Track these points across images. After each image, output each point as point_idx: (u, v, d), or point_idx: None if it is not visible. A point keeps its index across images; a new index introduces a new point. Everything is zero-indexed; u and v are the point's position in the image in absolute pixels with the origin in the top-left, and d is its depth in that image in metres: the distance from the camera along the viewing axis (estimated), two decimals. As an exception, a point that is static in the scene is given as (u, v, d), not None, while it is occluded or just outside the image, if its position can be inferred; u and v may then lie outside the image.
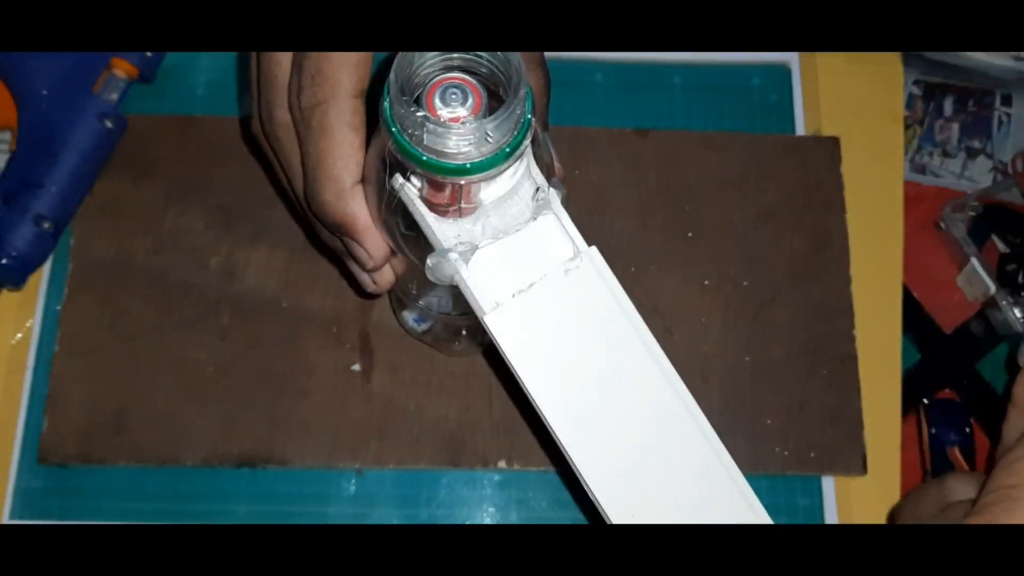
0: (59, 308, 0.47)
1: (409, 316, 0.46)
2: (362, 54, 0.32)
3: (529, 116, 0.29)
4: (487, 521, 0.46)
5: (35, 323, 0.48)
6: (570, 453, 0.30)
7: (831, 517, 0.46)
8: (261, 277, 0.48)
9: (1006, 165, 0.54)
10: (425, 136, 0.28)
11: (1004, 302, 0.49)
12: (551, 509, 0.46)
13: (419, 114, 0.28)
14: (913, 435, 0.48)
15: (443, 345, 0.47)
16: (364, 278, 0.37)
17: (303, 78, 0.32)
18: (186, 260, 0.48)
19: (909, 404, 0.49)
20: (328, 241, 0.37)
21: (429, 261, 0.31)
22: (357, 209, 0.33)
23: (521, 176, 0.31)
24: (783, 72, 0.54)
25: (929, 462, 0.47)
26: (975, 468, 0.47)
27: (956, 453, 0.46)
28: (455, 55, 0.30)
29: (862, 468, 0.47)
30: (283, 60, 0.33)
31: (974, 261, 0.50)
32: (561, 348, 0.31)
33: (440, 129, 0.28)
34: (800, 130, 0.53)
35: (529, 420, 0.46)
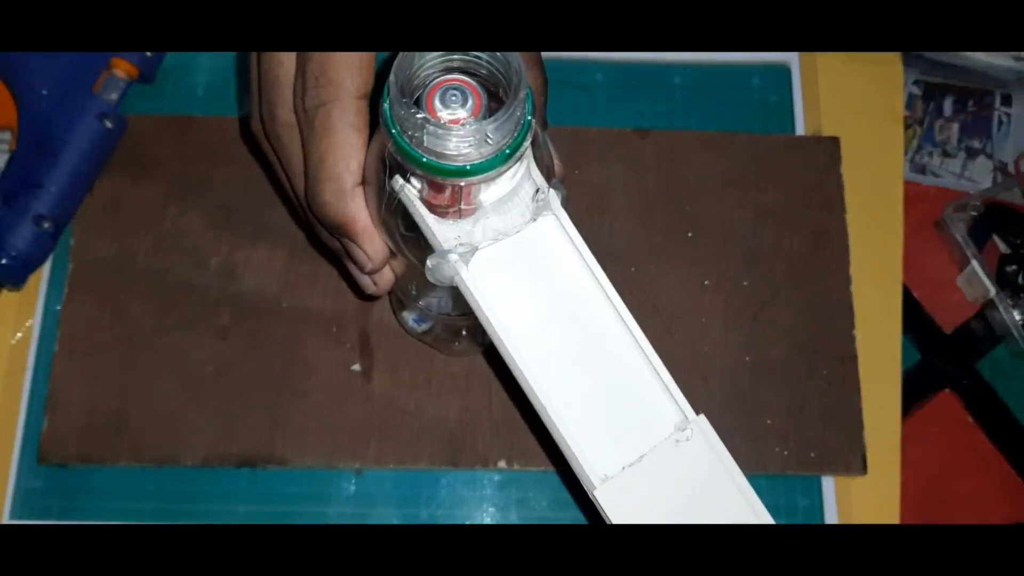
0: (59, 308, 0.47)
1: (409, 316, 0.46)
2: (366, 55, 0.32)
3: (529, 117, 0.29)
4: (487, 521, 0.46)
5: (35, 323, 0.48)
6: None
7: (831, 517, 0.46)
8: (261, 277, 0.48)
9: (1006, 165, 0.54)
10: (425, 138, 0.28)
11: (1004, 303, 0.49)
12: (551, 509, 0.46)
13: (419, 116, 0.28)
14: (913, 435, 0.48)
15: (443, 345, 0.47)
16: (364, 280, 0.37)
17: (307, 79, 0.32)
18: (186, 260, 0.48)
19: (909, 404, 0.49)
20: (327, 242, 0.37)
21: (429, 262, 0.31)
22: (357, 211, 0.33)
23: (521, 177, 0.31)
24: (783, 72, 0.54)
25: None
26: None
27: None
28: (455, 56, 0.30)
29: (862, 468, 0.47)
30: (285, 60, 0.33)
31: (974, 262, 0.50)
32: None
33: (440, 131, 0.28)
34: (800, 130, 0.53)
35: (529, 420, 0.46)
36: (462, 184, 0.29)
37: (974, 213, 0.51)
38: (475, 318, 0.31)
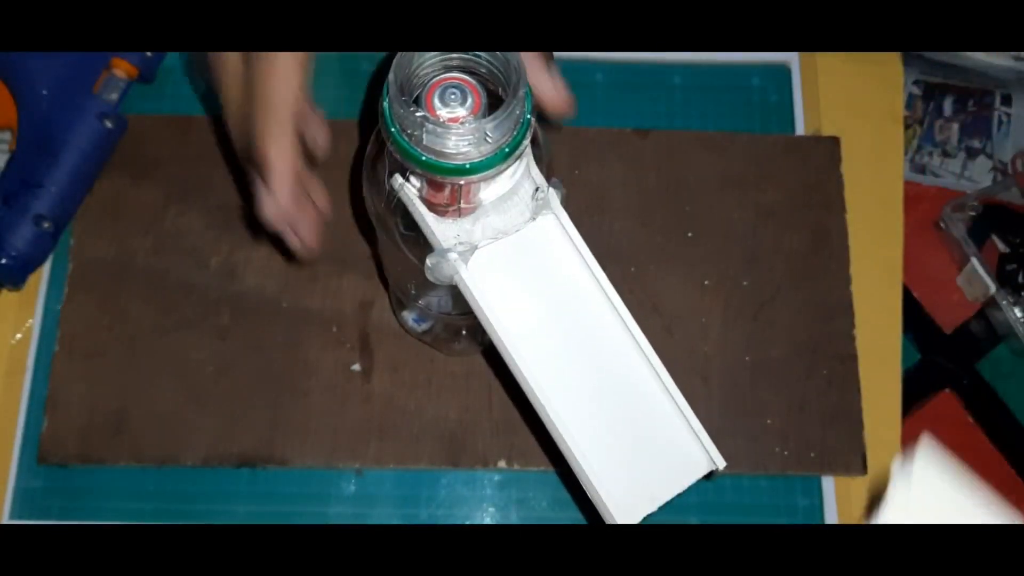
0: (59, 308, 0.47)
1: (409, 316, 0.46)
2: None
3: (528, 116, 0.29)
4: (487, 521, 0.46)
5: (35, 323, 0.48)
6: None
7: (831, 517, 0.46)
8: (261, 277, 0.48)
9: (1006, 165, 0.54)
10: (424, 136, 0.28)
11: (1004, 302, 0.49)
12: (551, 509, 0.46)
13: (418, 114, 0.28)
14: (913, 435, 0.48)
15: (443, 345, 0.47)
16: (292, 239, 0.36)
17: None
18: (186, 260, 0.48)
19: (909, 404, 0.49)
20: (244, 164, 0.36)
21: (428, 261, 0.31)
22: (277, 153, 0.32)
23: (521, 176, 0.31)
24: (783, 72, 0.54)
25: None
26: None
27: None
28: (454, 55, 0.30)
29: (862, 468, 0.47)
30: None
31: (974, 261, 0.50)
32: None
33: (439, 129, 0.28)
34: (800, 130, 0.53)
35: (529, 420, 0.46)
36: (461, 183, 0.29)
37: (972, 213, 0.51)
38: (475, 318, 0.31)
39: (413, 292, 0.41)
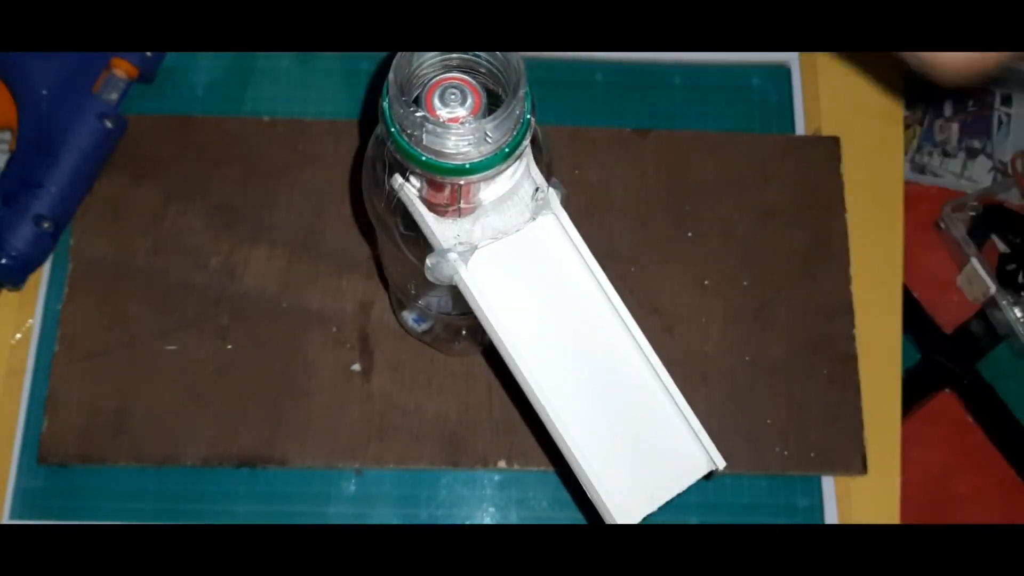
0: (59, 308, 0.47)
1: (409, 316, 0.46)
2: None
3: (528, 116, 0.29)
4: (487, 521, 0.46)
5: (35, 323, 0.48)
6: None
7: (831, 517, 0.46)
8: (261, 277, 0.48)
9: (1006, 165, 0.54)
10: (424, 136, 0.28)
11: (1004, 302, 0.49)
12: (551, 509, 0.46)
13: (418, 114, 0.28)
14: (913, 435, 0.48)
15: (443, 345, 0.47)
16: None
17: None
18: (186, 260, 0.48)
19: (909, 404, 0.49)
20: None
21: (428, 261, 0.31)
22: None
23: (520, 176, 0.31)
24: (783, 72, 0.54)
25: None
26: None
27: None
28: (454, 55, 0.30)
29: (862, 468, 0.47)
30: None
31: (974, 261, 0.50)
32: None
33: (439, 129, 0.28)
34: (800, 130, 0.53)
35: (529, 420, 0.46)
36: (461, 183, 0.29)
37: (972, 213, 0.52)
38: (475, 318, 0.31)
39: (413, 292, 0.41)
